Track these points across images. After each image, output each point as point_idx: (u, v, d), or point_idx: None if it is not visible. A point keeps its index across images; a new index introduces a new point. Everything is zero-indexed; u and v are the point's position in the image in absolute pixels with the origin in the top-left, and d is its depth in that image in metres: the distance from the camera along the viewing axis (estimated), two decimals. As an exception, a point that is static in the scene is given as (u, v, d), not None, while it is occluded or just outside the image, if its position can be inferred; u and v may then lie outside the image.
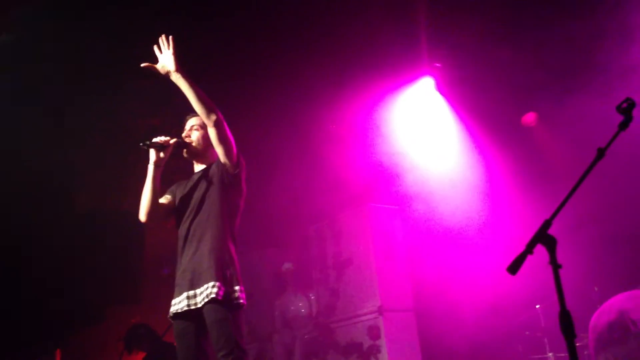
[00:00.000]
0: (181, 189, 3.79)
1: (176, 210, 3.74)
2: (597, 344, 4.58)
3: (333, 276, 6.54)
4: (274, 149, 6.50)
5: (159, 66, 3.53)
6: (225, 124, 3.51)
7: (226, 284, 3.38)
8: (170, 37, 3.53)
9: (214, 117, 3.45)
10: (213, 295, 3.30)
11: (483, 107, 6.60)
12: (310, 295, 6.84)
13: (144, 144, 3.60)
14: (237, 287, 3.42)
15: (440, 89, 6.79)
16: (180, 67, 3.49)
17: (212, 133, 3.52)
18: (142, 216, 3.65)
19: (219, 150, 3.56)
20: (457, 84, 6.63)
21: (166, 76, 3.52)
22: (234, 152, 3.57)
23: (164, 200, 3.77)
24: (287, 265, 7.08)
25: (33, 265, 5.70)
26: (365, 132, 6.75)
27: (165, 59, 3.52)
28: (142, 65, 3.54)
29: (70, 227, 6.04)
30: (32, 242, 5.75)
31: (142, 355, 5.94)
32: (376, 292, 6.02)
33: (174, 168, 4.06)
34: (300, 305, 6.83)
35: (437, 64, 6.52)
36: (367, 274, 6.15)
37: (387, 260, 6.21)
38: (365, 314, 6.08)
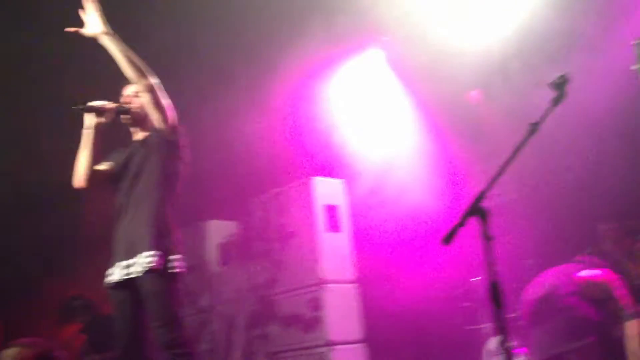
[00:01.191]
0: (120, 157, 3.68)
1: (114, 179, 3.63)
2: (529, 319, 4.74)
3: (276, 249, 6.53)
4: (216, 119, 6.40)
5: (86, 30, 3.37)
6: (159, 88, 3.40)
7: (163, 252, 3.31)
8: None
9: (146, 82, 3.34)
10: (150, 265, 3.24)
11: (429, 83, 6.64)
12: (253, 267, 6.82)
13: (77, 107, 3.46)
14: (175, 256, 3.36)
15: (389, 62, 6.80)
16: (110, 29, 3.34)
17: (145, 98, 3.42)
18: (78, 182, 3.55)
19: (154, 115, 3.46)
20: (404, 58, 6.64)
21: (93, 39, 3.37)
22: (169, 117, 3.48)
23: (103, 167, 3.65)
24: (229, 237, 7.05)
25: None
26: (313, 103, 6.72)
27: (92, 20, 3.36)
28: (67, 29, 3.38)
29: (6, 197, 5.87)
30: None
31: (78, 326, 5.83)
32: (318, 264, 6.04)
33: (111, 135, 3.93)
34: (243, 277, 6.81)
35: (385, 38, 6.52)
36: (310, 246, 6.15)
37: (330, 233, 6.22)
38: (307, 286, 6.10)
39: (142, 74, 3.34)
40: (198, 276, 7.30)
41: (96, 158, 3.57)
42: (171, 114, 3.49)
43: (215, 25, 5.63)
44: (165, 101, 3.46)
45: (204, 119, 6.14)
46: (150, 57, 3.49)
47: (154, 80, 3.38)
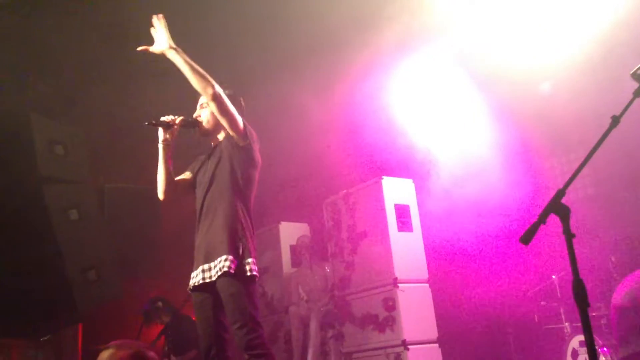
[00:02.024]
0: (198, 165, 3.84)
1: (193, 187, 3.81)
2: (626, 328, 4.56)
3: (348, 249, 6.56)
4: (290, 123, 6.49)
5: (154, 47, 3.52)
6: (223, 96, 3.49)
7: (238, 257, 3.42)
8: (161, 15, 3.51)
9: (210, 91, 3.43)
10: (225, 269, 3.36)
11: (494, 78, 6.51)
12: (326, 267, 6.87)
13: (150, 123, 3.64)
14: (249, 260, 3.46)
15: (451, 59, 6.70)
16: (174, 44, 3.48)
17: (212, 107, 3.53)
18: (160, 194, 3.74)
19: (223, 123, 3.58)
20: (468, 54, 6.54)
21: (162, 55, 3.50)
22: (239, 124, 3.58)
23: (183, 176, 3.85)
24: (302, 239, 7.12)
25: (52, 239, 5.77)
26: (380, 104, 6.71)
27: (159, 37, 3.50)
28: (138, 49, 3.53)
29: (88, 202, 6.09)
30: (50, 217, 5.81)
31: (160, 327, 6.03)
32: (391, 264, 6.02)
33: (195, 144, 4.07)
34: (316, 278, 6.88)
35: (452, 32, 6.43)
36: (382, 246, 6.15)
37: (402, 232, 6.20)
38: (380, 286, 6.10)
39: (206, 85, 3.43)
40: (272, 278, 7.43)
41: (171, 169, 3.72)
42: (239, 120, 3.58)
43: (283, 26, 5.70)
44: (230, 108, 3.54)
45: (275, 123, 6.23)
46: (220, 64, 3.59)
47: (218, 90, 3.47)
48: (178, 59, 3.46)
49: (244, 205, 3.61)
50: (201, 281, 3.50)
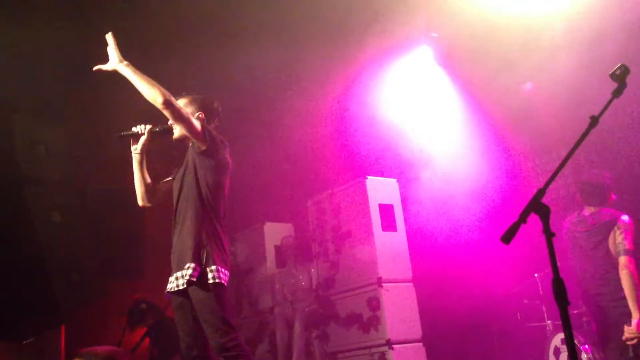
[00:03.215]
0: (175, 172, 3.88)
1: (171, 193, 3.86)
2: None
3: (332, 249, 6.58)
4: (271, 123, 6.49)
5: (107, 65, 3.56)
6: (175, 103, 3.50)
7: (201, 265, 3.46)
8: (110, 33, 3.55)
9: (160, 100, 3.43)
10: (187, 277, 3.42)
11: (480, 77, 6.56)
12: (310, 268, 6.88)
13: (118, 136, 3.72)
14: (212, 267, 3.47)
15: (437, 59, 6.75)
16: (122, 58, 3.53)
17: (167, 115, 3.55)
18: (139, 201, 3.83)
19: (181, 129, 3.62)
20: (453, 54, 6.59)
21: (114, 71, 3.54)
22: (196, 128, 3.58)
23: (165, 181, 3.90)
24: (286, 239, 7.12)
25: (34, 241, 5.72)
26: (363, 104, 6.73)
27: (110, 54, 3.55)
28: (94, 68, 3.60)
29: (69, 203, 6.05)
30: (31, 219, 5.76)
31: (144, 329, 6.00)
32: (375, 263, 6.05)
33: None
34: (301, 278, 6.88)
35: (434, 34, 6.47)
36: (366, 246, 6.18)
37: (386, 232, 6.23)
38: (364, 286, 6.12)
39: (154, 94, 3.43)
40: (256, 278, 7.42)
41: (145, 176, 3.78)
42: (196, 125, 3.58)
43: (272, 27, 5.70)
44: (184, 113, 3.54)
45: (259, 123, 6.23)
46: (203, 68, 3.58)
47: (168, 97, 3.45)
48: (128, 72, 3.50)
49: (212, 211, 3.63)
50: (175, 288, 3.55)
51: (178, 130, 3.72)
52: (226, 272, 3.54)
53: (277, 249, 7.31)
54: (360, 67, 6.32)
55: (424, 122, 6.98)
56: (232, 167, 3.77)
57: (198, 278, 3.41)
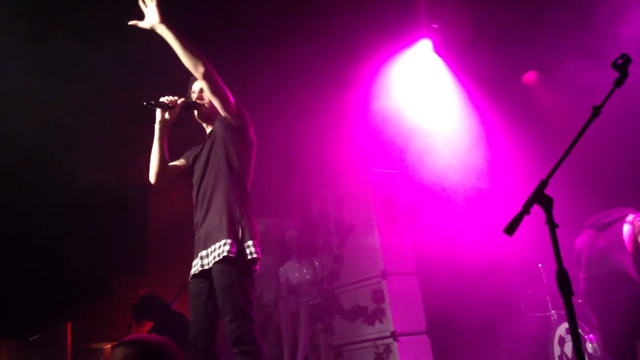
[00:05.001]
0: (194, 152, 3.73)
1: (187, 175, 3.70)
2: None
3: (336, 242, 6.59)
4: (273, 117, 6.48)
5: (144, 23, 3.36)
6: (216, 74, 3.36)
7: (237, 240, 3.31)
8: None
9: (202, 69, 3.30)
10: (225, 254, 3.24)
11: (482, 68, 6.55)
12: (314, 261, 6.90)
13: (149, 103, 3.49)
14: (249, 242, 3.33)
15: (438, 50, 6.73)
16: (164, 19, 3.32)
17: (203, 86, 3.42)
18: (151, 177, 3.59)
19: (215, 103, 3.45)
20: (455, 44, 6.57)
21: (152, 31, 3.34)
22: (231, 103, 3.45)
23: (177, 162, 3.72)
24: (290, 233, 7.13)
25: (39, 239, 5.75)
26: (365, 97, 6.72)
27: (149, 12, 3.35)
28: (130, 23, 3.38)
29: (74, 200, 6.07)
30: (37, 218, 5.78)
31: (149, 325, 6.03)
32: (379, 256, 6.06)
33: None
34: (305, 272, 6.90)
35: (435, 25, 6.45)
36: (370, 239, 6.18)
37: (389, 225, 6.23)
38: (368, 279, 6.13)
39: (197, 62, 3.29)
40: (261, 272, 7.43)
41: (166, 152, 3.58)
42: (232, 99, 3.46)
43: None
44: (223, 86, 3.41)
45: (263, 117, 6.23)
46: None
47: (210, 67, 3.33)
48: (168, 35, 3.30)
49: (242, 186, 3.49)
50: (200, 269, 3.39)
51: (209, 106, 3.58)
52: (259, 248, 3.39)
53: (281, 242, 7.33)
54: (362, 59, 6.29)
55: (426, 114, 6.97)
56: (255, 143, 3.63)
57: (236, 254, 3.26)
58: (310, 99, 6.36)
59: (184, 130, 4.41)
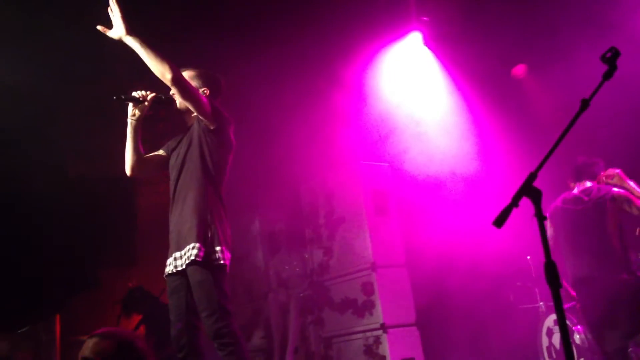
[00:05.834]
0: (174, 145, 3.75)
1: (167, 166, 3.72)
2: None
3: (326, 235, 6.59)
4: (263, 110, 6.46)
5: (112, 33, 3.42)
6: (184, 80, 3.41)
7: (206, 244, 3.37)
8: (114, 0, 3.41)
9: (169, 76, 3.33)
10: (193, 257, 3.31)
11: (472, 61, 6.56)
12: (304, 254, 6.89)
13: (119, 97, 3.53)
14: (217, 248, 3.39)
15: (428, 43, 6.73)
16: (130, 30, 3.38)
17: (174, 92, 3.48)
18: (127, 170, 3.66)
19: (189, 107, 3.48)
20: (445, 37, 6.57)
21: (119, 41, 3.41)
22: (204, 106, 3.48)
23: (157, 154, 3.76)
24: (279, 226, 7.12)
25: (27, 231, 5.72)
26: (355, 90, 6.71)
27: (116, 23, 3.40)
28: (98, 27, 3.43)
29: (62, 192, 6.04)
30: (24, 209, 5.75)
31: (138, 317, 6.02)
32: (368, 249, 6.07)
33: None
34: (295, 264, 6.89)
35: (425, 18, 6.45)
36: (359, 231, 6.19)
37: (379, 217, 6.24)
38: (358, 271, 6.14)
39: (164, 69, 3.33)
40: (250, 264, 7.44)
41: (139, 145, 3.63)
42: (205, 104, 3.49)
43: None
44: (194, 90, 3.46)
45: (252, 108, 6.22)
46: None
47: (177, 74, 3.36)
48: (135, 45, 3.36)
49: (215, 190, 3.54)
50: (173, 270, 3.46)
51: (182, 103, 3.58)
52: (229, 254, 3.45)
53: (271, 234, 7.32)
54: (352, 51, 6.28)
55: (416, 106, 6.97)
56: (235, 145, 3.67)
57: (203, 258, 3.31)
58: (299, 92, 6.34)
59: (163, 124, 4.41)
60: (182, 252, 3.40)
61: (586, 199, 4.59)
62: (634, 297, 4.29)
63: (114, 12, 3.39)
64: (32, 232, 5.69)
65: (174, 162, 3.66)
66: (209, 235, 3.40)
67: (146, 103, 3.59)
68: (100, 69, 5.53)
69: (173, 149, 3.71)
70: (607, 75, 2.51)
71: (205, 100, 3.50)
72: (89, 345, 2.42)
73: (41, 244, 5.69)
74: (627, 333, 4.31)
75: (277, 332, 6.65)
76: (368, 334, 5.94)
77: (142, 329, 5.74)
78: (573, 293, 4.75)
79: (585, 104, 2.47)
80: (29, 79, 5.31)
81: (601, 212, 4.48)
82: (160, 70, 3.33)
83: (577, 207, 4.62)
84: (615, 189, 4.50)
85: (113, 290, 6.65)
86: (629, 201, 4.42)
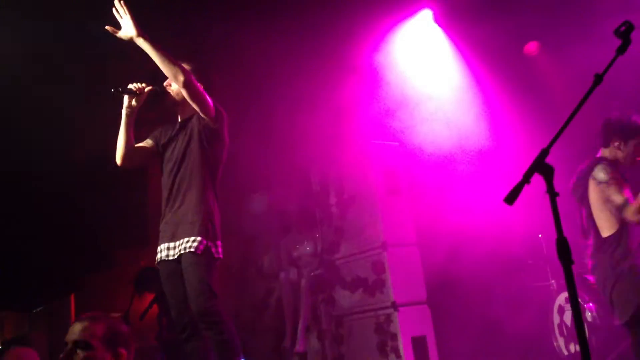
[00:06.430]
0: (164, 136, 3.81)
1: (160, 158, 3.80)
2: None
3: (336, 214, 6.60)
4: (274, 91, 6.44)
5: (122, 33, 3.47)
6: (195, 81, 3.49)
7: (208, 238, 3.48)
8: (123, 2, 3.45)
9: (181, 79, 3.42)
10: (192, 249, 3.42)
11: (483, 38, 6.49)
12: (315, 233, 6.91)
13: (116, 90, 3.59)
14: (217, 242, 3.54)
15: (438, 20, 6.66)
16: (142, 31, 3.44)
17: (183, 93, 3.52)
18: (118, 160, 3.73)
19: (195, 107, 3.56)
20: (456, 14, 6.50)
21: (130, 42, 3.47)
22: (210, 107, 3.57)
23: (144, 144, 3.82)
24: (291, 205, 7.14)
25: (42, 213, 5.78)
26: (365, 70, 6.67)
27: (125, 24, 3.45)
28: (107, 28, 3.48)
29: (75, 173, 6.08)
30: (40, 191, 5.80)
31: (151, 296, 6.07)
32: (379, 228, 6.07)
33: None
34: (305, 244, 6.92)
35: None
36: (370, 210, 6.19)
37: (389, 196, 6.23)
38: (369, 250, 6.16)
39: (176, 72, 3.41)
40: (262, 244, 7.47)
41: (132, 137, 3.70)
42: (211, 103, 3.57)
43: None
44: (202, 92, 3.53)
45: (263, 88, 6.20)
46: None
47: (189, 76, 3.44)
48: (147, 47, 3.43)
49: (213, 186, 3.65)
50: (165, 258, 3.58)
51: (178, 95, 3.67)
52: (221, 249, 3.59)
53: (282, 214, 7.34)
54: (363, 30, 6.23)
55: (427, 85, 6.92)
56: (228, 142, 3.76)
57: (203, 251, 3.43)
58: (310, 71, 6.31)
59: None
60: (178, 242, 3.50)
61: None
62: None
63: (123, 15, 3.45)
64: (47, 214, 5.75)
65: (170, 154, 3.73)
66: (210, 229, 3.52)
67: (142, 95, 3.65)
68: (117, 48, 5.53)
69: (168, 141, 3.77)
70: (621, 50, 2.47)
71: (211, 101, 3.58)
72: (78, 329, 2.44)
73: (56, 225, 5.75)
74: None
75: (288, 311, 6.70)
76: (379, 312, 5.96)
77: (155, 307, 5.79)
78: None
79: (598, 79, 2.45)
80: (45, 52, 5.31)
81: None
82: (173, 72, 3.43)
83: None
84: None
85: (126, 270, 6.71)
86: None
